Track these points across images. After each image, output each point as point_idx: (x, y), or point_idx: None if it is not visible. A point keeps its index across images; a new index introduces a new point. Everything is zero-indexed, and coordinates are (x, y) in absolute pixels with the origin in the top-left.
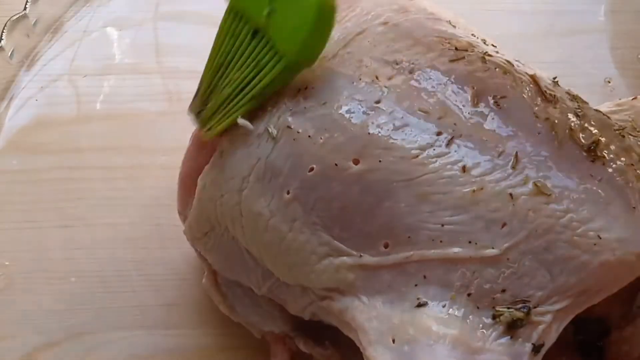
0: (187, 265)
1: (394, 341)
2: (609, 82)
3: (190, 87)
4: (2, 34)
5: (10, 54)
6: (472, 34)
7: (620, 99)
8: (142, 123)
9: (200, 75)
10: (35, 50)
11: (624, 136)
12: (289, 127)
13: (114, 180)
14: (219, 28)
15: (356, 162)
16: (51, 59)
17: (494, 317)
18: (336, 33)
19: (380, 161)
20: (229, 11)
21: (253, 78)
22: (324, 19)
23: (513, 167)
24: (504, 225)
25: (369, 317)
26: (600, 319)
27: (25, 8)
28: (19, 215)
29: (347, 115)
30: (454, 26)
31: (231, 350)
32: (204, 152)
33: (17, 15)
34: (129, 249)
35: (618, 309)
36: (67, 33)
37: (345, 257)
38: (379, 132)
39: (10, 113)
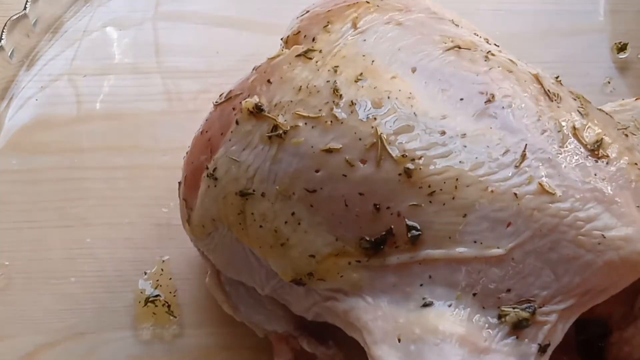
0: (187, 265)
1: (399, 340)
2: (609, 82)
3: (189, 86)
4: (2, 34)
5: (10, 54)
6: (475, 33)
7: (623, 99)
8: (142, 123)
9: (200, 75)
10: (35, 50)
11: (627, 135)
12: (294, 127)
13: (114, 180)
14: None
15: (363, 162)
16: (51, 58)
17: (499, 317)
18: (339, 32)
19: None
20: None
21: None
22: None
23: (517, 166)
24: (508, 224)
25: (374, 316)
26: (601, 320)
27: (25, 8)
28: (19, 215)
29: (351, 116)
30: (457, 25)
31: (233, 350)
32: (207, 153)
33: (17, 15)
34: (129, 249)
35: (619, 310)
36: (67, 33)
37: (349, 258)
38: (384, 132)
39: (10, 113)
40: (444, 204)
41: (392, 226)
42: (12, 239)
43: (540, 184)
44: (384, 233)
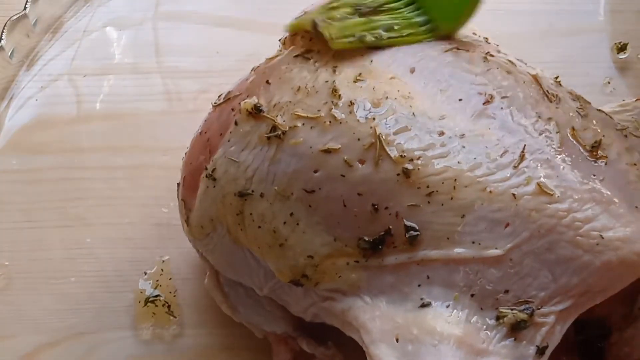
0: (187, 265)
1: (397, 340)
2: (609, 82)
3: (189, 86)
4: (2, 34)
5: (10, 54)
6: (475, 33)
7: (623, 100)
8: (142, 123)
9: (200, 75)
10: (35, 50)
11: (626, 136)
12: (293, 127)
13: (114, 180)
14: None
15: (362, 162)
16: (51, 58)
17: (497, 319)
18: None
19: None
20: None
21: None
22: None
23: (516, 167)
24: (507, 225)
25: (372, 316)
26: (600, 320)
27: (25, 8)
28: (19, 215)
29: (350, 116)
30: None
31: (232, 351)
32: (206, 154)
33: (17, 15)
34: (129, 249)
35: (619, 310)
36: (67, 33)
37: (347, 258)
38: (382, 133)
39: (10, 113)
40: (442, 205)
41: (391, 226)
42: (12, 239)
43: (538, 184)
44: (382, 233)
